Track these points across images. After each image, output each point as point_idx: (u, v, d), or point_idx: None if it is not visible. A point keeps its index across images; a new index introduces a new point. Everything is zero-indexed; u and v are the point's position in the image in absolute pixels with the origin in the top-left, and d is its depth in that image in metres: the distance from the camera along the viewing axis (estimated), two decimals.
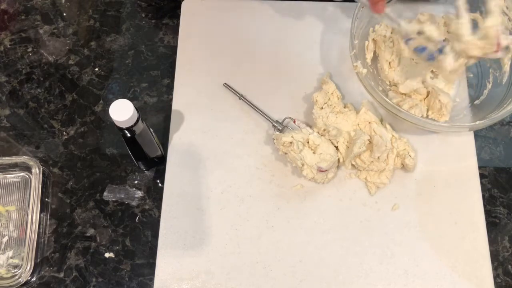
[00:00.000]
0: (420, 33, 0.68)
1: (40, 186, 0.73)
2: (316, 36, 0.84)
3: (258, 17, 0.85)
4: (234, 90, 0.79)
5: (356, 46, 0.76)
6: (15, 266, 0.71)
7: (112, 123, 0.66)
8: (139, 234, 0.73)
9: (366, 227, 0.72)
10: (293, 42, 0.84)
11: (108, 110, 0.62)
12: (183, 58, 0.82)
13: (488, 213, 0.74)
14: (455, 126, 0.74)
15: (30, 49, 0.85)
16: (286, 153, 0.73)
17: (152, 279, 0.70)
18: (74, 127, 0.80)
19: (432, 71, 0.78)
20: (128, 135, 0.65)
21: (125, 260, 0.72)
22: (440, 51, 0.68)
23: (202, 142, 0.77)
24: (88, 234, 0.73)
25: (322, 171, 0.72)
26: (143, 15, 0.88)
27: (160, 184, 0.76)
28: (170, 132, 0.77)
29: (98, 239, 0.73)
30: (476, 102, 0.79)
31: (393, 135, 0.75)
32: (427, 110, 0.76)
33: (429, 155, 0.76)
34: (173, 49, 0.84)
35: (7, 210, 0.74)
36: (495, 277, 0.71)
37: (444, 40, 0.68)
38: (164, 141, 0.77)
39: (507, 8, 0.73)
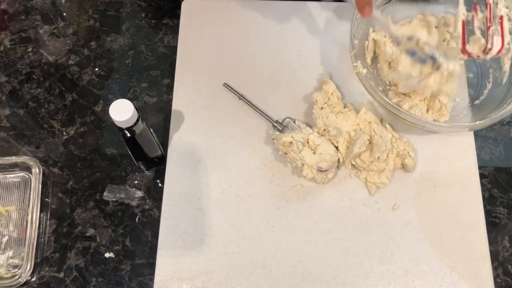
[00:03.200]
0: (410, 38, 0.68)
1: (40, 186, 0.73)
2: (316, 36, 0.84)
3: (258, 17, 0.85)
4: (234, 90, 0.79)
5: (356, 46, 0.76)
6: (15, 266, 0.71)
7: (112, 123, 0.66)
8: (139, 234, 0.73)
9: (366, 227, 0.72)
10: (293, 42, 0.84)
11: (108, 110, 0.62)
12: (183, 58, 0.82)
13: (488, 213, 0.74)
14: (455, 126, 0.74)
15: (30, 49, 0.85)
16: (286, 153, 0.73)
17: (152, 279, 0.70)
18: (74, 127, 0.80)
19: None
20: (128, 135, 0.65)
21: (125, 260, 0.72)
22: (432, 58, 0.69)
23: (202, 142, 0.77)
24: (88, 234, 0.73)
25: (322, 171, 0.72)
26: (143, 15, 0.88)
27: (160, 184, 0.76)
28: (170, 132, 0.77)
29: (98, 239, 0.73)
30: (476, 102, 0.79)
31: (393, 135, 0.75)
32: (427, 110, 0.76)
33: (429, 155, 0.76)
34: (173, 49, 0.84)
35: (7, 210, 0.74)
36: (495, 277, 0.71)
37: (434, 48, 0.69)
38: (164, 141, 0.77)
39: (507, 8, 0.73)
